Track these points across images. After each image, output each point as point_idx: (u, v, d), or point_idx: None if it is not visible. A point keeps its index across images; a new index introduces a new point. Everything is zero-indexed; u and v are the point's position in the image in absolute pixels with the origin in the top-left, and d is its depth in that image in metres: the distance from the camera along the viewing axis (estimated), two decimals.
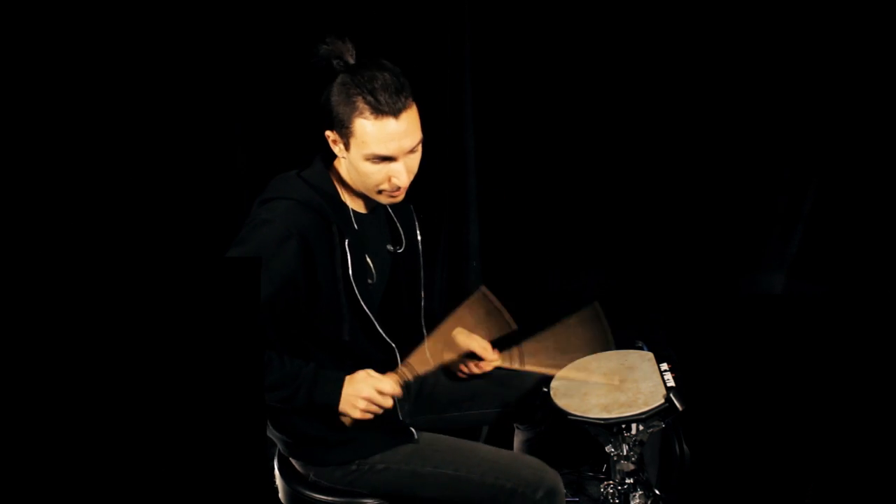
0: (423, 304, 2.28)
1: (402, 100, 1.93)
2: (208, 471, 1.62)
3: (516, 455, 2.11)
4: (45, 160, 3.27)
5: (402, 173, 1.98)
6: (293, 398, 1.99)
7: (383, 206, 2.17)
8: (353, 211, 2.08)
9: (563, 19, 3.58)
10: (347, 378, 2.03)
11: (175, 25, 3.28)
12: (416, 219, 2.26)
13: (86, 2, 3.15)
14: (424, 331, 2.30)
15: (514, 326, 2.27)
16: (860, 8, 3.46)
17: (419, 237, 2.25)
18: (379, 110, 1.91)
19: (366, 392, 2.01)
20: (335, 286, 2.00)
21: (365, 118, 1.92)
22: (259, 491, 1.73)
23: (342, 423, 2.04)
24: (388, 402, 2.04)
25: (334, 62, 1.96)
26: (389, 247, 2.19)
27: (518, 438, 2.48)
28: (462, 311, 2.25)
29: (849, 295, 3.78)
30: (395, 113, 1.92)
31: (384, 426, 2.09)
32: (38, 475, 1.63)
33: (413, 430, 2.11)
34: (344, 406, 2.01)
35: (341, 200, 2.05)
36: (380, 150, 1.94)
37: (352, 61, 1.97)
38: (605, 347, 2.31)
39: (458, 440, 2.12)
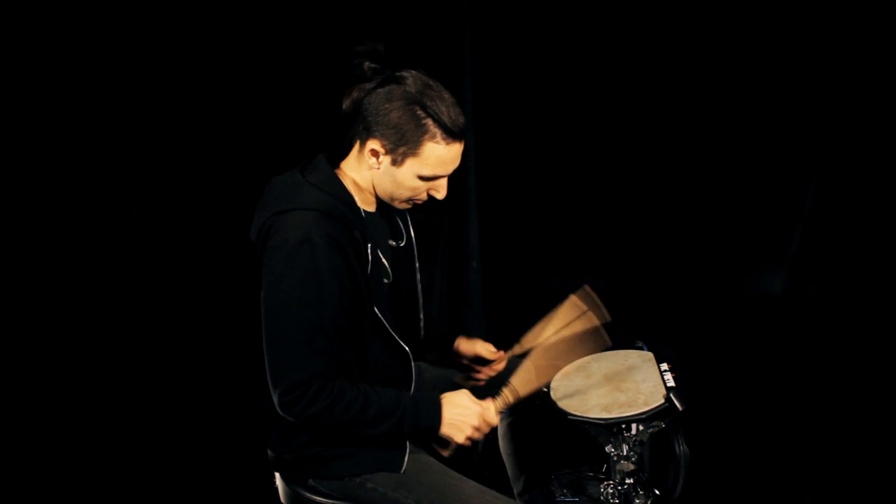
0: (420, 301, 2.27)
1: (463, 120, 1.94)
2: (210, 470, 1.63)
3: (500, 499, 2.09)
4: (45, 162, 3.28)
5: (444, 188, 2.01)
6: (400, 427, 1.98)
7: (385, 203, 2.16)
8: (364, 211, 2.07)
9: (563, 20, 3.58)
10: (445, 398, 2.03)
11: (178, 25, 3.29)
12: (407, 214, 2.25)
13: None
14: (422, 332, 2.28)
15: (608, 318, 2.22)
16: (860, 8, 3.46)
17: (413, 232, 2.24)
18: (453, 135, 1.92)
19: (475, 421, 2.01)
20: (366, 291, 2.00)
21: (436, 142, 1.91)
22: (259, 491, 1.73)
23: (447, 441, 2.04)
24: (493, 424, 2.04)
25: (367, 64, 1.95)
26: (392, 242, 2.18)
27: (501, 425, 2.46)
28: (562, 316, 2.21)
29: (848, 295, 3.78)
30: (462, 137, 1.94)
31: (382, 444, 2.07)
32: (44, 476, 1.64)
33: (405, 457, 2.08)
34: (449, 430, 2.01)
35: (356, 205, 2.04)
36: (441, 172, 1.96)
37: (385, 66, 1.95)
38: (602, 319, 2.29)
39: (448, 474, 2.09)
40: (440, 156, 1.93)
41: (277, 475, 2.20)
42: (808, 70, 3.60)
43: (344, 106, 1.98)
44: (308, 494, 2.11)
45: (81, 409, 3.31)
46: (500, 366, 2.35)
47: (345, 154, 2.05)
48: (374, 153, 1.96)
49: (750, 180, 3.81)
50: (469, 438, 2.02)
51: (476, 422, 2.01)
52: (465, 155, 2.34)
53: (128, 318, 3.44)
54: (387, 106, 1.91)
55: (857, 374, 3.41)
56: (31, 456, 3.14)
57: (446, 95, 1.93)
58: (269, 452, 2.18)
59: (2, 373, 3.24)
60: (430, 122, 1.90)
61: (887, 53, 3.47)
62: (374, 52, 1.95)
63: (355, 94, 1.96)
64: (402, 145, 1.92)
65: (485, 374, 2.36)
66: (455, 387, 2.30)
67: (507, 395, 2.06)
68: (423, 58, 2.00)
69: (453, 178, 2.03)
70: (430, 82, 1.94)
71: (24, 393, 3.27)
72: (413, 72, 1.95)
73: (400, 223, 2.21)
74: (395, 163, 1.95)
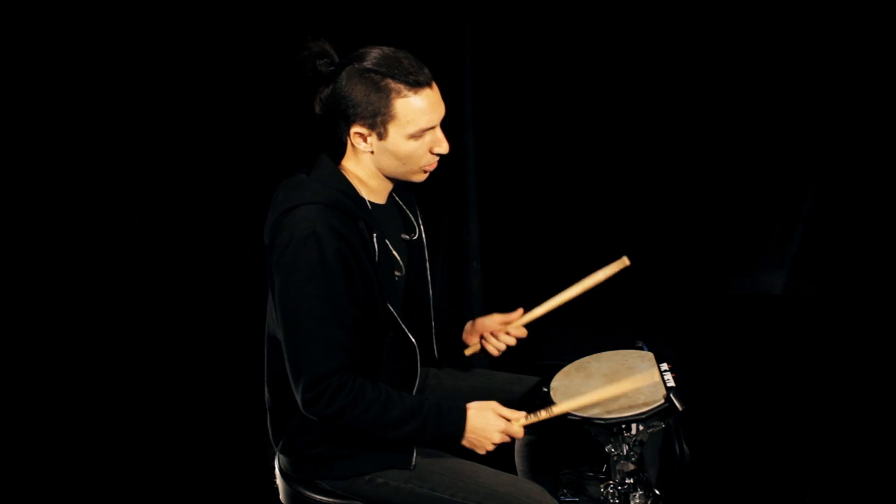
0: (431, 294, 2.26)
1: (427, 70, 1.95)
2: (210, 470, 1.63)
3: (516, 481, 2.08)
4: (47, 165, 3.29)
5: (444, 139, 1.99)
6: (421, 432, 1.98)
7: (393, 196, 2.15)
8: (372, 203, 2.07)
9: (562, 20, 3.58)
10: (471, 408, 2.03)
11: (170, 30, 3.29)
12: (416, 206, 2.26)
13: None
14: (433, 324, 2.28)
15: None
16: (860, 8, 3.46)
17: (422, 225, 2.24)
18: (417, 83, 1.92)
19: (497, 438, 2.03)
20: (376, 283, 2.00)
21: (404, 97, 1.91)
22: (259, 490, 1.73)
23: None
24: (517, 437, 2.06)
25: (319, 63, 1.96)
26: (405, 235, 2.18)
27: (518, 442, 2.47)
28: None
29: (848, 295, 3.79)
30: (429, 83, 1.95)
31: (389, 444, 2.07)
32: (44, 476, 1.64)
33: (413, 454, 2.08)
34: (468, 443, 2.03)
35: (361, 196, 2.04)
36: (426, 123, 1.94)
37: (337, 58, 1.97)
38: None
39: (459, 461, 2.10)
40: (415, 108, 1.92)
41: (278, 474, 2.20)
42: (808, 70, 3.60)
43: (317, 111, 1.99)
44: (310, 494, 2.11)
45: (82, 408, 3.31)
46: (521, 332, 2.32)
47: (344, 152, 2.07)
48: (361, 137, 1.97)
49: (750, 180, 3.81)
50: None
51: (497, 439, 2.02)
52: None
53: (129, 316, 3.45)
54: (347, 88, 1.92)
55: (856, 374, 3.41)
56: (32, 456, 3.15)
57: (404, 54, 1.93)
58: (273, 452, 2.18)
59: (2, 372, 3.24)
60: (389, 81, 1.90)
61: (887, 53, 3.48)
62: (322, 50, 1.96)
63: (322, 96, 1.97)
64: (378, 115, 1.92)
65: (494, 345, 2.32)
66: (479, 392, 2.29)
67: (541, 414, 2.05)
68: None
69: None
70: (378, 49, 1.94)
71: (24, 392, 3.27)
72: (363, 49, 1.95)
73: (411, 216, 2.21)
74: (381, 137, 1.95)
